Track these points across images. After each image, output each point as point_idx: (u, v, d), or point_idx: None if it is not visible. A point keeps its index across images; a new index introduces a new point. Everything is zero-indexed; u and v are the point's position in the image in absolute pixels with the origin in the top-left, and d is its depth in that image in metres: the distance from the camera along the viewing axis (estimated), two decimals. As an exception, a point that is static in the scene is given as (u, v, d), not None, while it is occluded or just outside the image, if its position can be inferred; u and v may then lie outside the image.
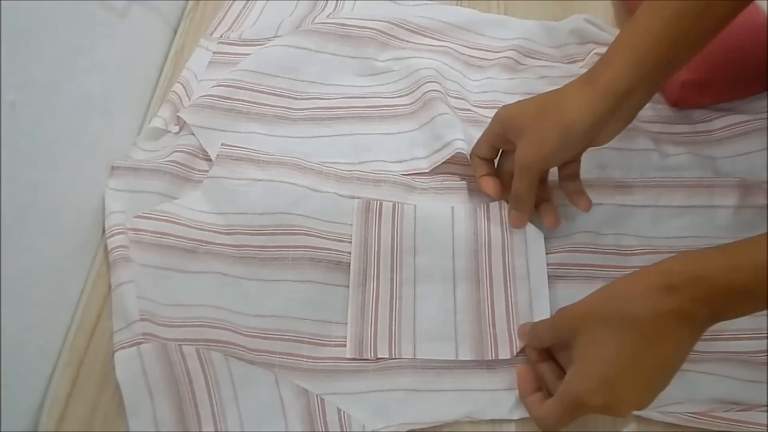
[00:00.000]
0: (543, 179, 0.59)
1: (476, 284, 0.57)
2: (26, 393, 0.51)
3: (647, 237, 0.59)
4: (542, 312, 0.55)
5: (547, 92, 0.56)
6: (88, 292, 0.56)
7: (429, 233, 0.59)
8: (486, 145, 0.59)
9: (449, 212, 0.60)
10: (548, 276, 0.57)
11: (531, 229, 0.59)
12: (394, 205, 0.60)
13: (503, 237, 0.59)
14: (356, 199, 0.60)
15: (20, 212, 0.48)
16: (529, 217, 0.58)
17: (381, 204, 0.60)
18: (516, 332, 0.54)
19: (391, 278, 0.57)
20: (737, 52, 0.64)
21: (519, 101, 0.57)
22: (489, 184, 0.60)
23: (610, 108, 0.51)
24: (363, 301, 0.56)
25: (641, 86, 0.51)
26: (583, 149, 0.56)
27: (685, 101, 0.67)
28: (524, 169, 0.55)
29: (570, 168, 0.58)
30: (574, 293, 0.56)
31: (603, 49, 0.69)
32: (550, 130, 0.53)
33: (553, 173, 0.60)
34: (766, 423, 0.51)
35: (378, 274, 0.57)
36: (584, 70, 0.68)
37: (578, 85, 0.54)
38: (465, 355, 0.54)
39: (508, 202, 0.59)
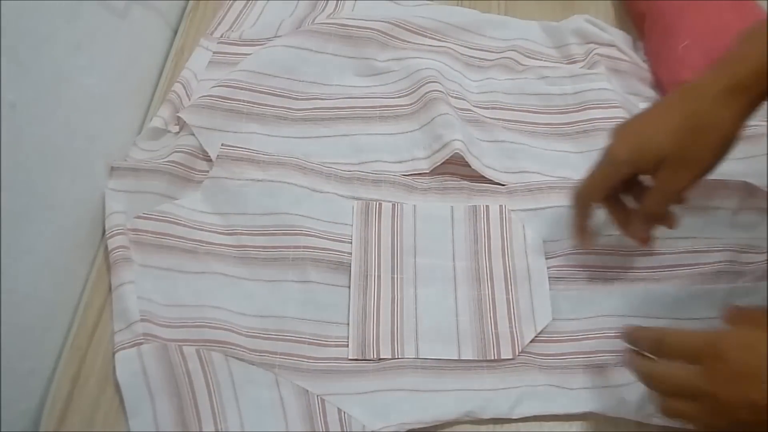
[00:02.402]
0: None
1: (477, 284, 0.57)
2: (27, 393, 0.51)
3: (648, 237, 0.59)
4: (544, 313, 0.55)
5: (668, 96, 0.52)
6: (88, 291, 0.56)
7: (429, 234, 0.59)
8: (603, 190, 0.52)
9: (449, 213, 0.60)
10: (549, 277, 0.57)
11: (530, 231, 0.59)
12: (393, 206, 0.60)
13: (503, 238, 0.59)
14: (356, 201, 0.60)
15: (20, 212, 0.48)
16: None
17: (380, 205, 0.60)
18: (518, 332, 0.54)
19: (392, 279, 0.57)
20: (738, 53, 0.64)
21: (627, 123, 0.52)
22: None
23: (732, 86, 0.47)
24: (364, 302, 0.56)
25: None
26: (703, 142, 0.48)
27: (685, 101, 0.67)
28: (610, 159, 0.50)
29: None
30: (575, 294, 0.56)
31: (604, 50, 0.70)
32: (659, 106, 0.50)
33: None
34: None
35: (379, 275, 0.57)
36: (585, 71, 0.69)
37: (708, 77, 0.49)
38: (467, 354, 0.54)
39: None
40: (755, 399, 0.39)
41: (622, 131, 0.51)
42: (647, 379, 0.46)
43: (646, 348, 0.47)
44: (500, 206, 0.60)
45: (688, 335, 0.44)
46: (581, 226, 0.54)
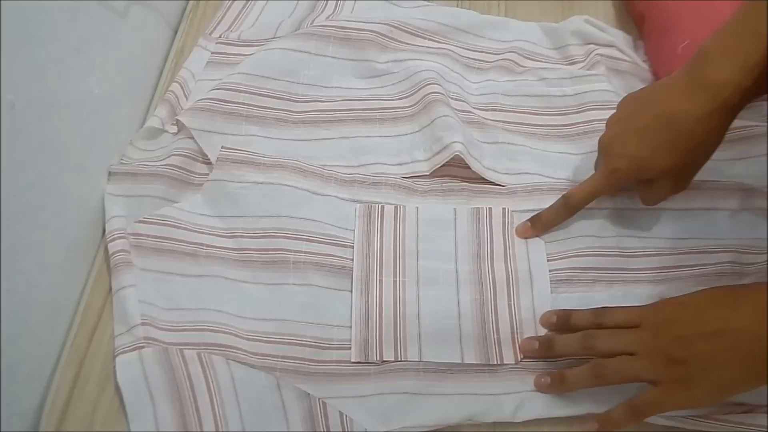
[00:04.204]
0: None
1: (479, 288, 0.57)
2: (27, 393, 0.51)
3: (649, 238, 0.59)
4: (545, 317, 0.55)
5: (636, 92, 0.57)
6: (88, 292, 0.56)
7: (431, 236, 0.59)
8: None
9: (452, 215, 0.60)
10: (551, 280, 0.57)
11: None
12: (396, 208, 0.60)
13: (505, 242, 0.59)
14: (358, 204, 0.60)
15: (20, 212, 0.48)
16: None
17: (383, 207, 0.60)
18: (520, 337, 0.54)
19: (394, 282, 0.56)
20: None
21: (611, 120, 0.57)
22: None
23: (717, 107, 0.50)
24: (366, 305, 0.55)
25: (749, 93, 0.50)
26: (693, 159, 0.54)
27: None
28: (611, 173, 0.56)
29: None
30: (576, 297, 0.56)
31: (604, 50, 0.70)
32: (651, 123, 0.53)
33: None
34: (766, 424, 0.51)
35: (381, 278, 0.56)
36: (585, 72, 0.69)
37: (677, 78, 0.53)
38: (470, 358, 0.53)
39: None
40: (684, 333, 0.47)
41: (619, 147, 0.55)
42: (589, 343, 0.50)
43: (584, 323, 0.52)
44: (503, 209, 0.60)
45: (627, 308, 0.52)
46: (553, 223, 0.59)
